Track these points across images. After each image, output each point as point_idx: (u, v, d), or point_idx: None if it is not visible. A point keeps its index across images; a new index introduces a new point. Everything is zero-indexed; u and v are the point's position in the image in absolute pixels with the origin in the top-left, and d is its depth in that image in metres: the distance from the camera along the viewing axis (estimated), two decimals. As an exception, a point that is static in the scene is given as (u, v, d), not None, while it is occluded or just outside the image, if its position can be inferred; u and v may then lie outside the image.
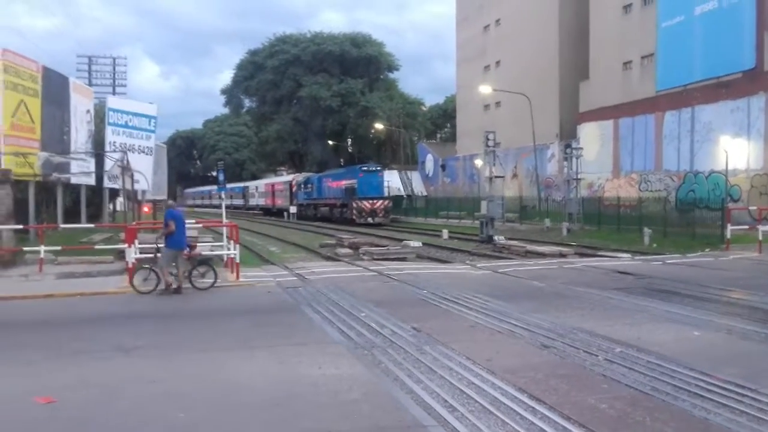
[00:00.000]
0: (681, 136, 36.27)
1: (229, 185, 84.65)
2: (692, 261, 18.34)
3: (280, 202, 64.48)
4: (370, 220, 43.26)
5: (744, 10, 32.15)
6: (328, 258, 21.83)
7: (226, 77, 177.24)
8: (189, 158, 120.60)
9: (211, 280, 13.26)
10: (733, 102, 32.75)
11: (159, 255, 13.19)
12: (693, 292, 12.33)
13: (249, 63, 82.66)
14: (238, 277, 14.66)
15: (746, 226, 23.28)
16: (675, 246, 22.91)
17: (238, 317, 10.47)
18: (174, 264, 12.91)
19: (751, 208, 27.96)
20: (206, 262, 13.96)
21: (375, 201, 44.37)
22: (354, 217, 43.63)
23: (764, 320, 9.49)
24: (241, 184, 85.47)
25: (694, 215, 26.80)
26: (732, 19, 32.70)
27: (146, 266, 13.56)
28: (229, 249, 15.99)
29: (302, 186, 57.38)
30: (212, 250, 17.45)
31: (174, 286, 12.78)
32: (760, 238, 20.31)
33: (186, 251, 13.22)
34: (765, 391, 6.07)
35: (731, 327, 9.03)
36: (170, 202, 15.75)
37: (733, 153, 29.82)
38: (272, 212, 66.71)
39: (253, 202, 77.65)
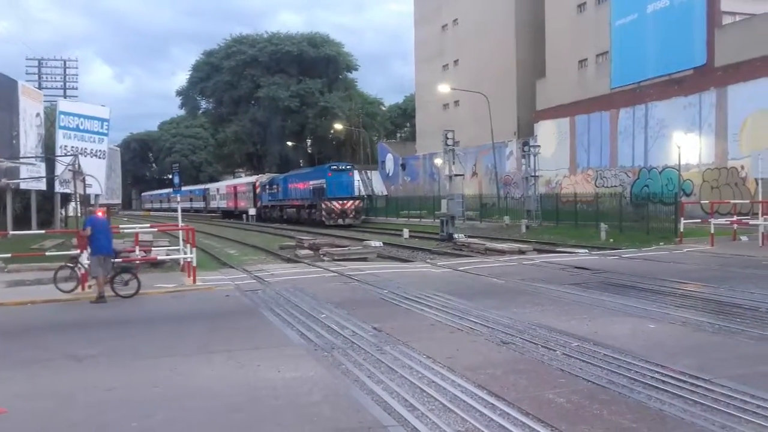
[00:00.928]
0: (635, 132, 37.01)
1: (189, 187, 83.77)
2: (647, 255, 18.70)
3: (243, 204, 63.14)
4: (340, 221, 41.43)
5: (694, 8, 32.93)
6: (288, 260, 21.64)
7: (181, 79, 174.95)
8: (145, 161, 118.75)
9: (135, 288, 12.78)
10: (685, 98, 33.53)
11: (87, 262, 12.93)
12: (648, 285, 12.57)
13: (205, 64, 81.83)
14: (195, 281, 14.43)
15: (699, 220, 23.86)
16: (630, 240, 23.31)
17: (195, 322, 10.29)
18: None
19: (703, 201, 28.69)
20: (129, 269, 13.50)
21: (345, 201, 42.58)
22: (323, 218, 41.79)
23: (717, 312, 9.71)
24: (202, 186, 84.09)
25: (649, 210, 27.33)
26: (683, 17, 33.47)
27: (69, 265, 13.31)
28: (185, 253, 15.74)
29: (266, 187, 55.73)
30: (168, 254, 17.17)
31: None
32: (712, 231, 20.85)
33: (114, 257, 13.00)
34: (718, 381, 6.19)
35: (685, 319, 9.22)
36: (89, 208, 15.42)
37: (685, 148, 30.52)
38: (234, 215, 65.42)
39: (214, 204, 75.99)
